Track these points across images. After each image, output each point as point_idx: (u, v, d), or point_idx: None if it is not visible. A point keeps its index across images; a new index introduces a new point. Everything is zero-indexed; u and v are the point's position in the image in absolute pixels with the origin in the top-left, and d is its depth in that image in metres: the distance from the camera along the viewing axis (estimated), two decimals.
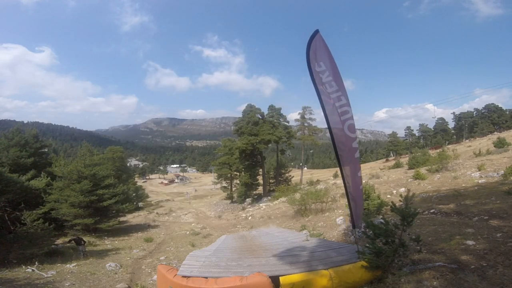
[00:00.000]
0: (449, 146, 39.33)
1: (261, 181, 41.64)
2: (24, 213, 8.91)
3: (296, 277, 3.79)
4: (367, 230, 4.14)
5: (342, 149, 4.12)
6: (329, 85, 4.03)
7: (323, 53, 4.08)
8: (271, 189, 41.59)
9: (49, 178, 14.44)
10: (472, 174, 12.49)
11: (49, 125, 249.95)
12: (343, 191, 6.14)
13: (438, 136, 72.98)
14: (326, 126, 4.23)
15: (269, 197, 34.11)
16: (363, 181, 4.46)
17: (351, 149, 4.17)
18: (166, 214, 31.10)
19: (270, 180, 44.41)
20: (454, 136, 74.61)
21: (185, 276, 4.15)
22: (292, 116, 54.48)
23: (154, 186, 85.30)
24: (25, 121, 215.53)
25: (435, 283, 3.11)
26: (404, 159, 34.09)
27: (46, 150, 21.09)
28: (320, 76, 4.02)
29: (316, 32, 4.08)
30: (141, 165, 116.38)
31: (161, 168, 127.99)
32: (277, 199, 25.68)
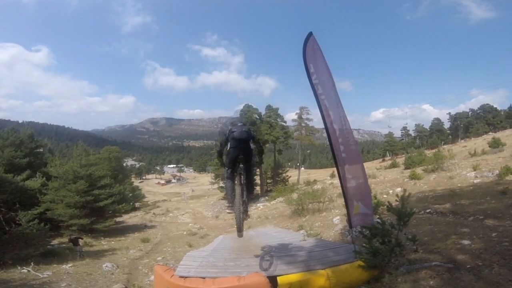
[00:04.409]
0: (445, 146, 39.66)
1: (258, 181, 41.65)
2: (19, 213, 8.84)
3: (293, 277, 3.79)
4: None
5: (337, 149, 4.18)
6: (316, 87, 4.10)
7: (314, 55, 4.13)
8: (269, 189, 41.59)
9: (44, 178, 14.32)
10: (468, 174, 12.59)
11: (44, 124, 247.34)
12: (340, 191, 6.17)
13: (434, 136, 73.53)
14: (323, 126, 4.28)
15: (266, 197, 34.07)
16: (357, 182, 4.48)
17: (338, 149, 4.27)
18: (163, 214, 30.95)
19: (268, 180, 44.42)
20: (450, 137, 75.15)
21: (182, 277, 4.15)
22: (291, 116, 54.61)
23: (151, 186, 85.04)
24: (20, 121, 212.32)
25: (431, 282, 3.13)
26: (401, 159, 34.27)
27: (42, 150, 20.98)
28: (312, 77, 4.06)
29: (310, 34, 4.12)
30: (137, 165, 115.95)
31: (158, 168, 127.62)
32: (275, 199, 25.67)
